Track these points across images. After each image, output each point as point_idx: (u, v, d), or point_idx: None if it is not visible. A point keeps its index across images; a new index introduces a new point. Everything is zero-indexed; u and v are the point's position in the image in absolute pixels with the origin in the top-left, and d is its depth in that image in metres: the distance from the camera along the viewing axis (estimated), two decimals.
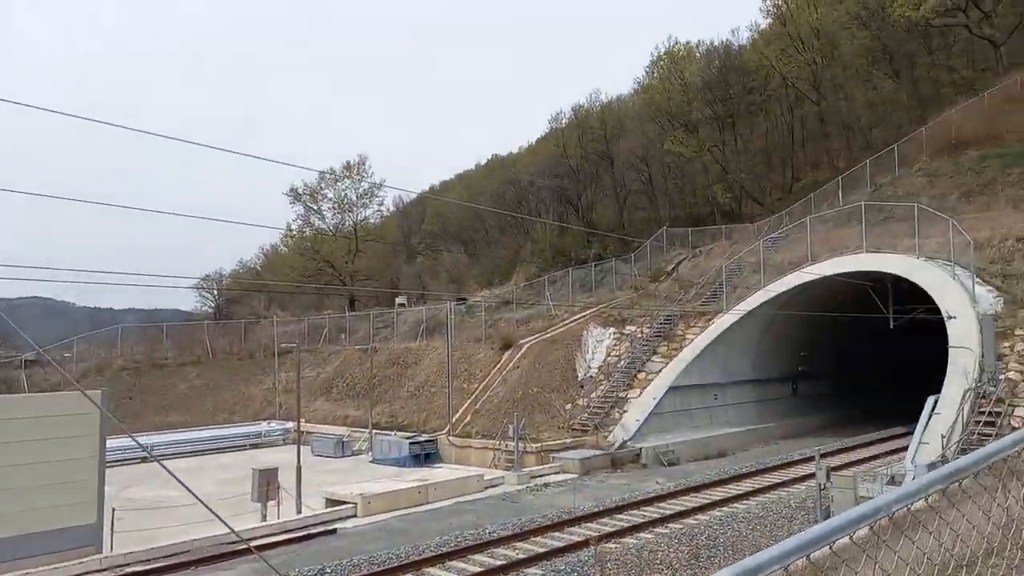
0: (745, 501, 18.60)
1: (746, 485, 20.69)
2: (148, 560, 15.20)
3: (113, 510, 16.82)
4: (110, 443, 19.06)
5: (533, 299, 42.53)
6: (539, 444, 26.62)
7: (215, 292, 66.73)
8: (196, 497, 7.73)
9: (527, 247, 57.44)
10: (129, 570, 14.61)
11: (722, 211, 49.02)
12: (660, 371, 29.03)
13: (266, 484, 19.16)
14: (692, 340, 29.64)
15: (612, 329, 32.76)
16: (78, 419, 15.35)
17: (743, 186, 48.96)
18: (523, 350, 34.13)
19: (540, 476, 23.60)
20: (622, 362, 30.53)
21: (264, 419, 38.49)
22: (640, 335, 31.43)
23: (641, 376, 29.45)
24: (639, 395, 28.42)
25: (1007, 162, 32.13)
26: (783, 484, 20.36)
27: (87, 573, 14.41)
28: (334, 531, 17.56)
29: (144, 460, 27.90)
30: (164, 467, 7.40)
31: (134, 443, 27.73)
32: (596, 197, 57.89)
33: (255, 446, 35.03)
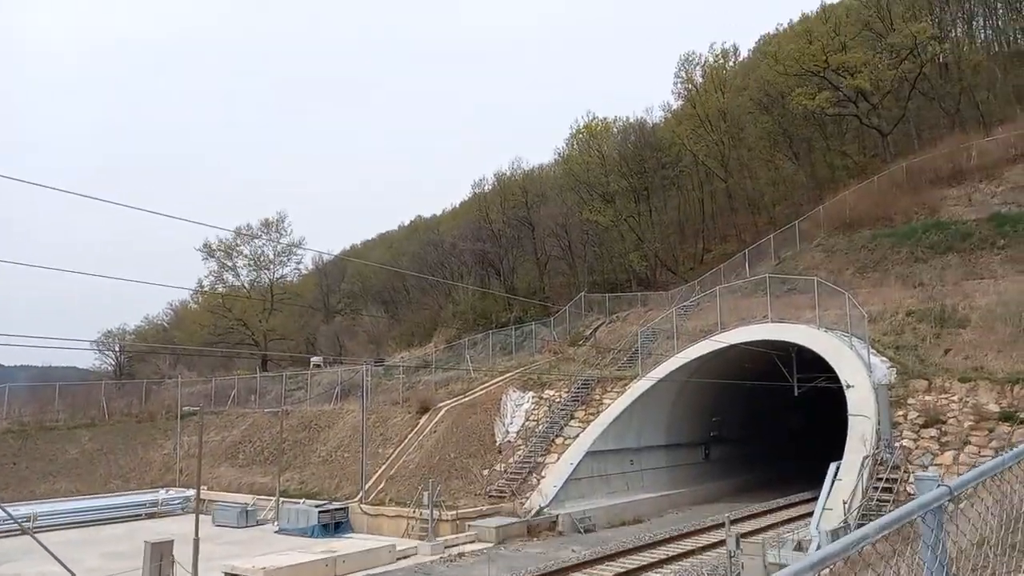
0: (659, 569, 18.64)
1: (660, 552, 20.75)
2: None
3: None
4: None
5: (453, 361, 42.25)
6: (455, 511, 26.04)
7: (116, 350, 63.32)
8: (70, 571, 7.15)
9: (448, 309, 57.33)
10: None
11: (638, 278, 50.52)
12: (578, 436, 29.12)
13: (159, 558, 17.91)
14: (609, 405, 29.99)
15: (531, 393, 32.81)
16: None
17: (657, 255, 50.74)
18: (441, 414, 33.67)
19: (454, 545, 23.02)
20: (540, 427, 30.51)
21: (163, 486, 36.22)
22: (559, 399, 31.58)
23: (559, 441, 29.46)
24: (556, 460, 28.36)
25: (896, 241, 34.58)
26: (696, 551, 20.53)
27: None
28: None
29: (23, 533, 25.63)
30: (38, 540, 6.85)
31: (15, 512, 25.58)
32: (517, 261, 58.70)
33: (151, 515, 32.85)
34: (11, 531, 26.22)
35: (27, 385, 47.91)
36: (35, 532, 26.91)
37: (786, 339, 27.16)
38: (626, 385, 30.54)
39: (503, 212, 57.48)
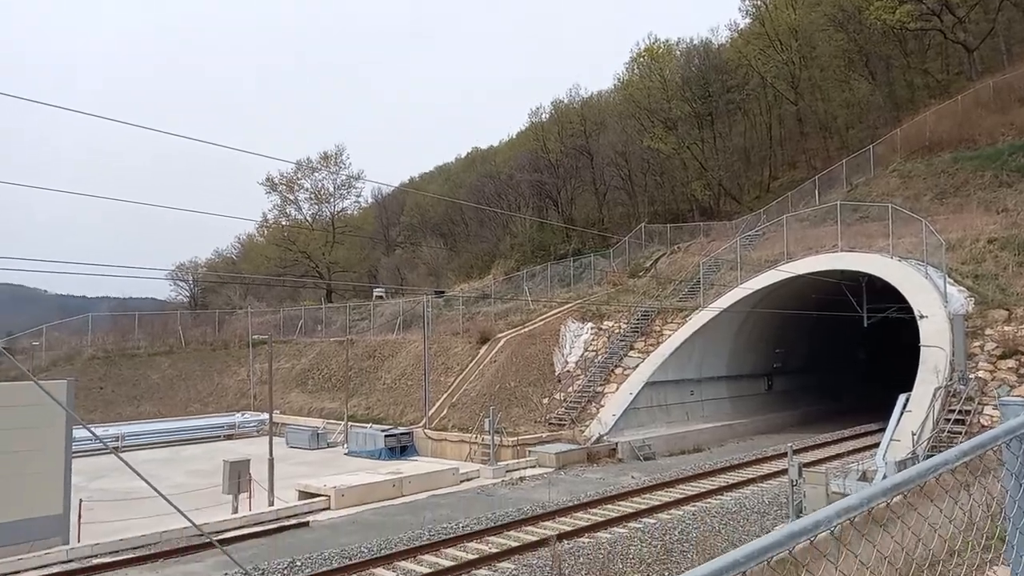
0: (718, 496, 18.72)
1: (720, 480, 20.84)
2: (116, 552, 14.96)
3: (80, 501, 16.53)
4: (80, 433, 18.75)
5: (511, 293, 42.49)
6: (515, 438, 26.61)
7: (190, 281, 65.90)
8: (156, 491, 7.58)
9: (506, 241, 57.34)
10: (96, 561, 14.35)
11: (700, 208, 49.31)
12: (637, 366, 29.14)
13: (238, 476, 18.95)
14: (669, 336, 29.79)
15: (590, 324, 32.82)
16: (44, 409, 15.03)
17: (721, 183, 49.27)
18: (500, 344, 34.09)
19: (516, 470, 23.60)
20: (599, 357, 30.61)
21: (238, 410, 38.09)
22: (618, 330, 31.51)
23: (618, 371, 29.55)
24: (616, 390, 28.51)
25: (979, 165, 32.62)
26: (756, 480, 20.51)
27: (52, 564, 14.14)
28: (307, 524, 17.40)
29: (116, 450, 27.46)
30: (121, 459, 7.24)
31: (102, 433, 27.33)
32: (576, 192, 57.94)
33: (229, 437, 34.67)
34: (102, 450, 28.10)
35: (109, 315, 50.48)
36: (123, 451, 28.75)
37: (856, 268, 26.23)
38: (687, 316, 30.20)
39: (561, 141, 56.47)
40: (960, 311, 22.03)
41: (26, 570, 13.76)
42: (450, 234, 69.38)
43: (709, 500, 18.32)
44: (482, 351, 34.57)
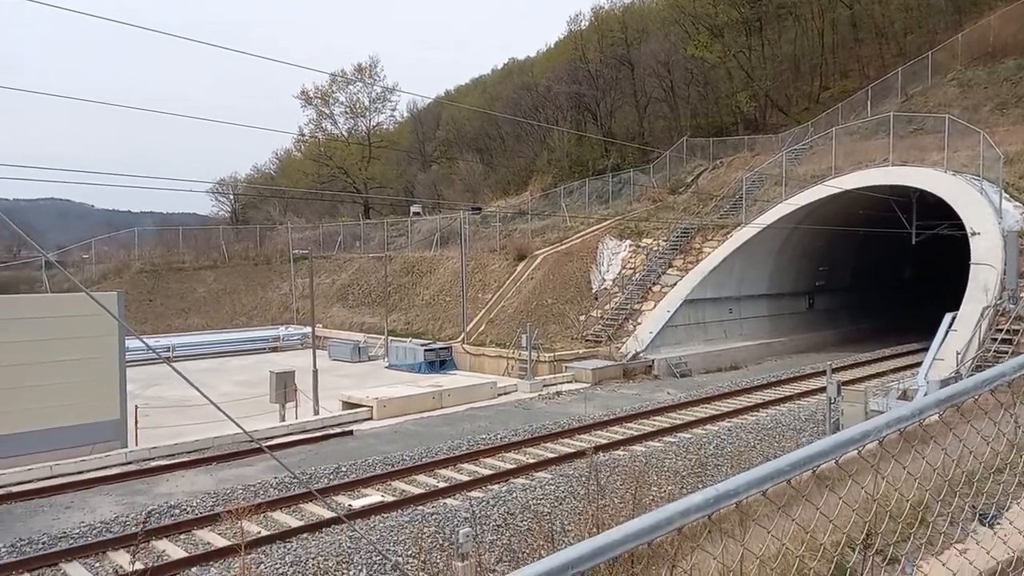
0: (754, 413, 18.84)
1: (756, 397, 20.93)
2: (172, 455, 15.75)
3: (136, 407, 17.31)
4: (133, 343, 19.45)
5: (548, 210, 42.12)
6: (552, 354, 26.92)
7: (231, 196, 66.68)
8: (207, 398, 7.81)
9: (543, 156, 56.41)
10: (153, 464, 15.15)
11: (745, 121, 47.62)
12: (675, 284, 28.94)
13: (284, 386, 19.60)
14: (709, 253, 29.39)
15: (628, 241, 32.52)
16: (97, 319, 15.58)
17: (768, 94, 47.34)
18: (537, 261, 34.08)
19: (552, 385, 23.99)
20: (637, 275, 30.45)
21: (282, 324, 39.12)
22: (656, 248, 31.19)
23: (656, 289, 29.41)
24: (653, 308, 28.45)
25: None
26: (793, 397, 20.56)
27: (112, 466, 14.96)
28: (350, 433, 18.03)
29: (168, 360, 28.57)
30: (175, 369, 7.49)
31: (154, 344, 28.34)
32: (615, 104, 56.27)
33: (273, 349, 35.76)
34: (154, 360, 29.23)
35: (154, 229, 51.59)
36: (173, 361, 29.90)
37: (907, 183, 25.29)
38: (728, 233, 29.67)
39: (601, 51, 54.48)
40: (1015, 228, 21.21)
41: (90, 470, 14.59)
42: (486, 149, 68.41)
43: (744, 416, 18.46)
44: (519, 268, 34.63)
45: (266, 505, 11.83)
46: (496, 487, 13.06)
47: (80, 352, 15.31)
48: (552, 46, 71.91)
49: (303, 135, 61.96)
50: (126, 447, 15.98)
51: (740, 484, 1.64)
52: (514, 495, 12.35)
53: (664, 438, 16.30)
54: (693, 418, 18.31)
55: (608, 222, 35.07)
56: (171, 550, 10.59)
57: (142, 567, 7.76)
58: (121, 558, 10.27)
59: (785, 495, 2.30)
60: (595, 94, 55.28)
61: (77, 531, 11.11)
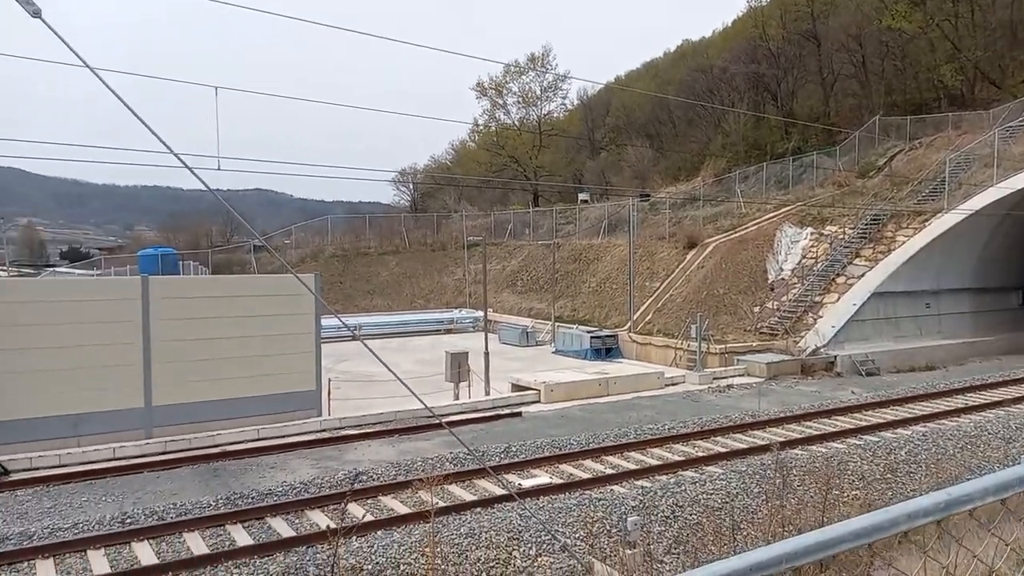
0: (955, 419, 17.12)
1: (957, 401, 19.01)
2: (359, 425, 17.06)
3: (329, 380, 18.91)
4: (326, 322, 21.25)
5: (722, 196, 40.58)
6: (723, 346, 26.04)
7: (411, 186, 70.48)
8: (395, 375, 8.38)
9: (717, 140, 54.29)
10: (343, 432, 16.50)
11: (949, 96, 42.95)
12: (863, 275, 26.87)
13: (458, 366, 20.57)
14: (903, 242, 26.97)
15: (809, 229, 30.60)
16: (299, 298, 17.20)
17: (978, 66, 42.34)
18: (709, 249, 33.00)
19: (723, 378, 23.22)
20: (819, 265, 28.60)
21: (456, 307, 40.93)
22: (841, 236, 29.09)
23: (840, 280, 27.48)
24: (836, 300, 26.63)
25: None
26: (1003, 403, 18.44)
27: (308, 433, 16.48)
28: (519, 414, 18.57)
29: (353, 338, 30.87)
30: (368, 347, 8.10)
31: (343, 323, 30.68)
32: (798, 83, 52.86)
33: (448, 331, 37.52)
34: (343, 337, 31.70)
35: (344, 217, 55.73)
36: (358, 340, 32.32)
37: None
38: (926, 220, 27.04)
39: (783, 27, 51.34)
40: None
41: (290, 435, 16.17)
42: (657, 135, 66.97)
43: (943, 421, 16.83)
44: (689, 256, 33.74)
45: (441, 478, 12.49)
46: (664, 478, 12.91)
47: (284, 328, 16.98)
48: (729, 25, 68.93)
49: (477, 125, 64.12)
50: (320, 416, 17.52)
51: (976, 490, 1.54)
52: (683, 487, 12.15)
53: (847, 440, 15.26)
54: (881, 420, 16.97)
55: (788, 208, 33.17)
56: (358, 512, 11.51)
57: (343, 524, 8.52)
58: (317, 517, 11.32)
59: (994, 510, 2.06)
60: (776, 73, 52.26)
61: (280, 489, 12.37)
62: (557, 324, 33.35)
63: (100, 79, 5.93)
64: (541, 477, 13.02)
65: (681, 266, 33.47)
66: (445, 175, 65.75)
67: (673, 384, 22.68)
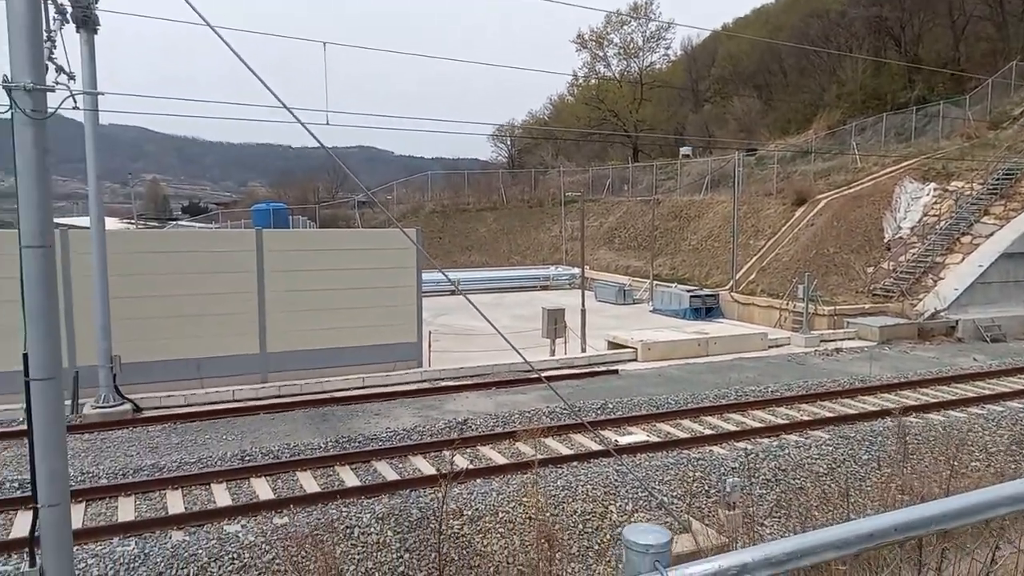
0: None
1: None
2: (457, 377, 17.49)
3: (430, 333, 19.42)
4: (425, 276, 21.74)
5: (835, 149, 38.37)
6: (832, 307, 24.92)
7: (508, 142, 70.42)
8: (496, 330, 8.47)
9: (832, 90, 51.14)
10: (442, 384, 16.97)
11: None
12: (992, 234, 24.93)
13: (554, 322, 20.64)
14: None
15: (932, 184, 28.56)
16: (401, 253, 17.66)
17: None
18: (820, 206, 31.41)
19: (831, 341, 22.27)
20: (942, 223, 26.72)
21: (552, 264, 40.95)
22: (969, 192, 27.01)
23: (965, 240, 25.61)
24: (960, 261, 24.87)
25: None
26: None
27: (410, 383, 17.04)
28: (615, 372, 18.50)
29: (452, 293, 31.51)
30: (470, 301, 8.20)
31: (442, 277, 31.33)
32: (924, 27, 48.84)
33: (544, 287, 37.66)
34: (442, 291, 32.41)
35: (443, 173, 56.47)
36: (457, 295, 32.92)
37: None
38: None
39: None
40: None
41: (393, 384, 16.78)
42: (765, 85, 63.75)
43: None
44: (797, 213, 32.25)
45: (543, 431, 12.67)
46: (766, 441, 12.60)
47: (388, 281, 17.52)
48: None
49: (576, 79, 62.98)
50: (421, 367, 18.07)
51: None
52: (786, 451, 11.83)
53: (969, 408, 14.37)
54: (1007, 389, 15.87)
55: (909, 162, 31.03)
56: (461, 461, 11.86)
57: (452, 469, 8.83)
58: (419, 462, 11.75)
59: None
60: (900, 16, 48.44)
61: (384, 435, 12.90)
62: (655, 282, 32.81)
63: (220, 38, 6.14)
64: (638, 435, 12.99)
65: (789, 223, 32.07)
66: (543, 130, 65.23)
67: (777, 346, 21.97)
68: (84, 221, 18.80)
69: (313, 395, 15.79)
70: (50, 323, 6.27)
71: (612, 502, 10.15)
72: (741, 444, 12.46)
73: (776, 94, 61.01)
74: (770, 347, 21.72)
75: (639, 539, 1.23)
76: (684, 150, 50.54)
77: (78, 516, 9.34)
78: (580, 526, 9.71)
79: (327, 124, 9.42)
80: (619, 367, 18.97)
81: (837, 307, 24.91)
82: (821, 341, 22.03)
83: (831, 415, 14.14)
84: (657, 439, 12.80)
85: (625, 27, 59.23)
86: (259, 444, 12.31)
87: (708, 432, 13.20)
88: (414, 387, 16.65)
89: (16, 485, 10.40)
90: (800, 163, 38.23)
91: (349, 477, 11.05)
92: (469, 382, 17.03)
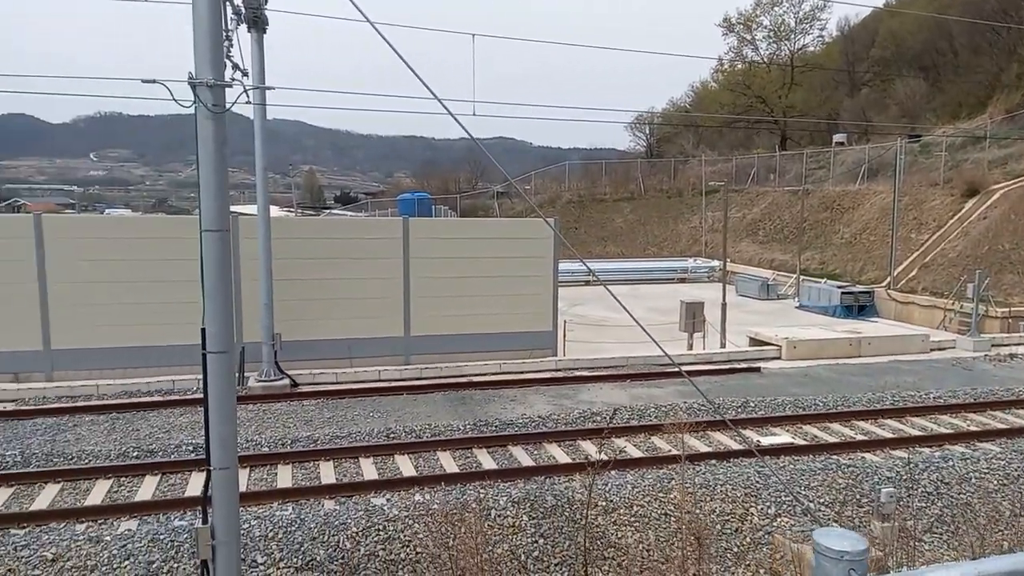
0: None
1: None
2: (592, 368, 17.45)
3: (564, 322, 19.50)
4: (560, 266, 21.83)
5: (1015, 135, 34.66)
6: (1006, 309, 22.64)
7: (647, 131, 69.06)
8: (636, 321, 8.35)
9: (1011, 70, 46.15)
10: (576, 373, 16.99)
11: None
12: None
13: (692, 316, 20.09)
14: None
15: None
16: (539, 242, 17.82)
17: None
18: (994, 198, 28.55)
19: (1004, 345, 20.24)
20: None
21: (690, 256, 39.86)
22: None
23: None
24: None
25: None
26: None
27: (545, 371, 17.19)
28: (757, 369, 17.75)
29: (587, 284, 31.45)
30: (610, 291, 8.13)
31: (577, 268, 31.32)
32: None
33: (681, 280, 36.75)
34: (578, 282, 32.40)
35: (580, 163, 56.34)
36: (593, 285, 32.72)
37: None
38: None
39: None
40: None
41: (528, 371, 17.00)
42: (932, 66, 58.50)
43: None
44: (968, 206, 29.49)
45: (690, 425, 12.38)
46: (926, 451, 11.65)
47: (525, 270, 17.75)
48: None
49: (722, 64, 60.69)
50: (556, 356, 18.18)
51: None
52: (950, 463, 10.88)
53: None
54: None
55: None
56: (590, 450, 11.84)
57: (605, 458, 8.85)
58: (553, 450, 11.84)
59: None
60: None
61: (520, 421, 13.10)
62: (802, 277, 31.15)
63: (379, 32, 6.42)
64: (782, 436, 12.40)
65: (957, 216, 29.39)
66: (684, 116, 63.43)
67: (940, 349, 20.23)
68: (249, 209, 20.34)
69: (452, 378, 16.29)
70: (225, 301, 6.85)
71: (753, 504, 9.77)
72: (898, 452, 11.59)
73: (945, 75, 55.93)
74: (932, 350, 20.04)
75: (833, 544, 1.16)
76: (838, 137, 47.50)
77: (243, 480, 10.18)
78: (718, 526, 9.42)
79: (473, 115, 9.63)
80: (761, 365, 18.18)
81: (1012, 308, 22.59)
82: (992, 345, 20.06)
83: (1004, 427, 12.85)
84: (803, 442, 12.17)
85: (776, 8, 56.37)
86: (402, 423, 12.88)
87: (860, 438, 12.38)
88: (548, 375, 16.78)
89: (190, 448, 11.48)
90: (972, 150, 34.92)
91: (486, 460, 11.33)
92: (603, 373, 16.94)
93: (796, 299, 29.91)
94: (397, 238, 17.02)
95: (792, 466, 10.91)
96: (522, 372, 16.95)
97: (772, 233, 38.55)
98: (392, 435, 12.24)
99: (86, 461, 11.00)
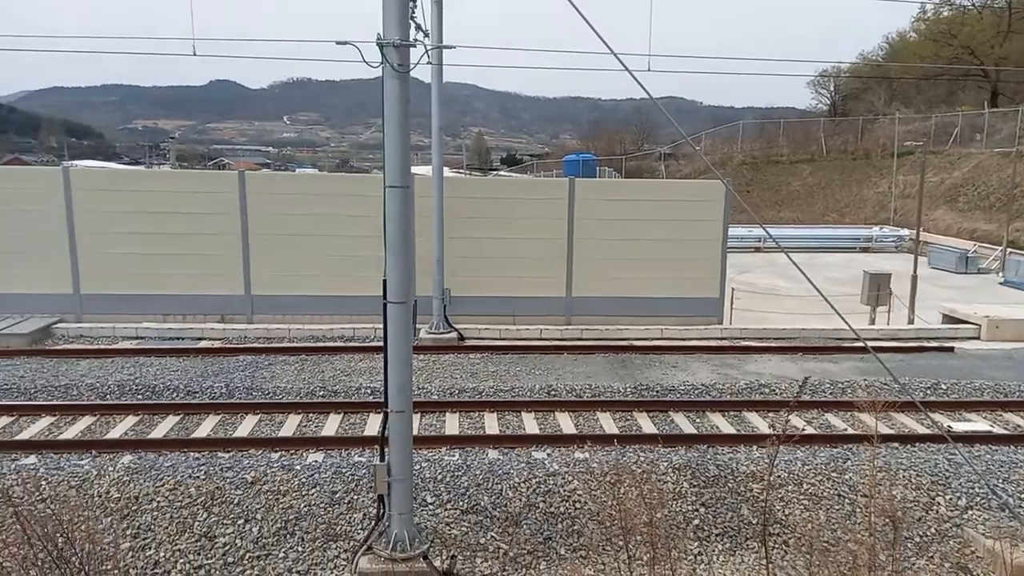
0: None
1: None
2: (759, 339, 16.69)
3: (732, 290, 18.74)
4: (730, 231, 20.92)
5: None
6: None
7: (831, 87, 63.86)
8: (818, 290, 7.85)
9: None
10: (743, 343, 16.33)
11: None
12: None
13: (877, 288, 18.57)
14: None
15: None
16: (707, 205, 17.17)
17: None
18: None
19: None
20: None
21: (876, 224, 36.74)
22: None
23: None
24: None
25: None
26: None
27: (709, 339, 16.67)
28: (950, 349, 16.16)
29: (757, 251, 30.00)
30: (790, 258, 7.68)
31: (746, 234, 29.90)
32: None
33: (864, 250, 34.01)
34: (747, 248, 30.97)
35: (754, 123, 53.32)
36: (764, 252, 31.10)
37: None
38: None
39: None
40: None
41: (691, 338, 16.57)
42: None
43: None
44: None
45: (881, 404, 11.61)
46: None
47: (692, 234, 17.19)
48: None
49: (924, 13, 54.53)
50: (721, 324, 17.56)
51: None
52: None
53: None
54: None
55: None
56: (758, 422, 11.39)
57: (784, 432, 8.49)
58: (716, 419, 11.51)
59: None
60: None
61: (681, 388, 12.85)
62: (1010, 250, 27.76)
63: None
64: (978, 423, 11.25)
65: None
66: (877, 70, 57.85)
67: None
68: (422, 170, 21.20)
69: (612, 341, 16.25)
70: (405, 254, 7.22)
71: (941, 493, 8.98)
72: None
73: None
74: None
75: None
76: None
77: (415, 424, 10.83)
78: (898, 513, 8.77)
79: (648, 70, 9.36)
80: (955, 344, 16.52)
81: None
82: None
83: None
84: (1004, 431, 10.97)
85: None
86: (563, 381, 13.06)
87: None
88: (713, 344, 16.27)
89: (368, 392, 12.35)
90: None
91: (646, 424, 11.24)
92: (772, 344, 16.15)
93: (1000, 274, 26.75)
94: (563, 199, 17.06)
95: (989, 456, 9.91)
96: (685, 339, 16.56)
97: (975, 200, 34.56)
98: (553, 392, 12.46)
99: (280, 396, 12.19)
